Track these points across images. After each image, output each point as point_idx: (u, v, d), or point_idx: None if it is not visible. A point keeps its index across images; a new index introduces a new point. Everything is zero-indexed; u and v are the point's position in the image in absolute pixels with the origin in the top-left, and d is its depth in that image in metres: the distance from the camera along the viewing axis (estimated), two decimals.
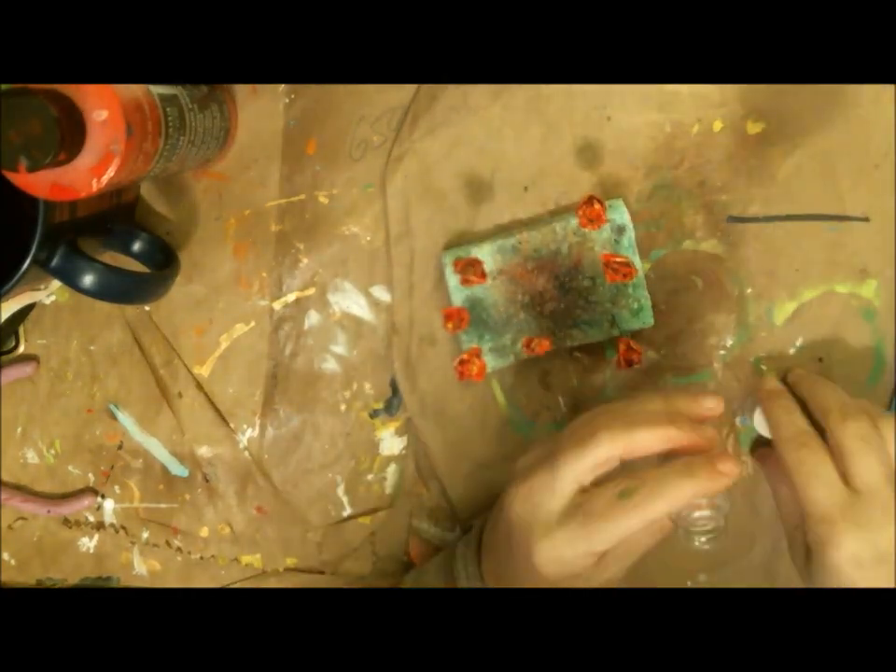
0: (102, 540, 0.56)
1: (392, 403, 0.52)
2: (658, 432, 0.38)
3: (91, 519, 0.56)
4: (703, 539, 0.38)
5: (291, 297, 0.51)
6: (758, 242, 0.48)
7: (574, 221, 0.47)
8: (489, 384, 0.50)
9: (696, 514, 0.38)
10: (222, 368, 0.53)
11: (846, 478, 0.39)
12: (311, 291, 0.51)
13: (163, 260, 0.49)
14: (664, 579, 0.48)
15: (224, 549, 0.55)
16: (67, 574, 0.57)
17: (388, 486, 0.53)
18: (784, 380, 0.45)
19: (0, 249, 0.42)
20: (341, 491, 0.53)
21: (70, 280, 0.43)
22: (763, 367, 0.49)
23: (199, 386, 0.53)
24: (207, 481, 0.54)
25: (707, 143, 0.47)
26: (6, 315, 0.52)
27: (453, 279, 0.48)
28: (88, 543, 0.56)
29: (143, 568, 0.56)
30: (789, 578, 0.48)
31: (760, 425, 0.44)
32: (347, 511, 0.53)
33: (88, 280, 0.43)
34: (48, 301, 0.54)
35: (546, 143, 0.48)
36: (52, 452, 0.56)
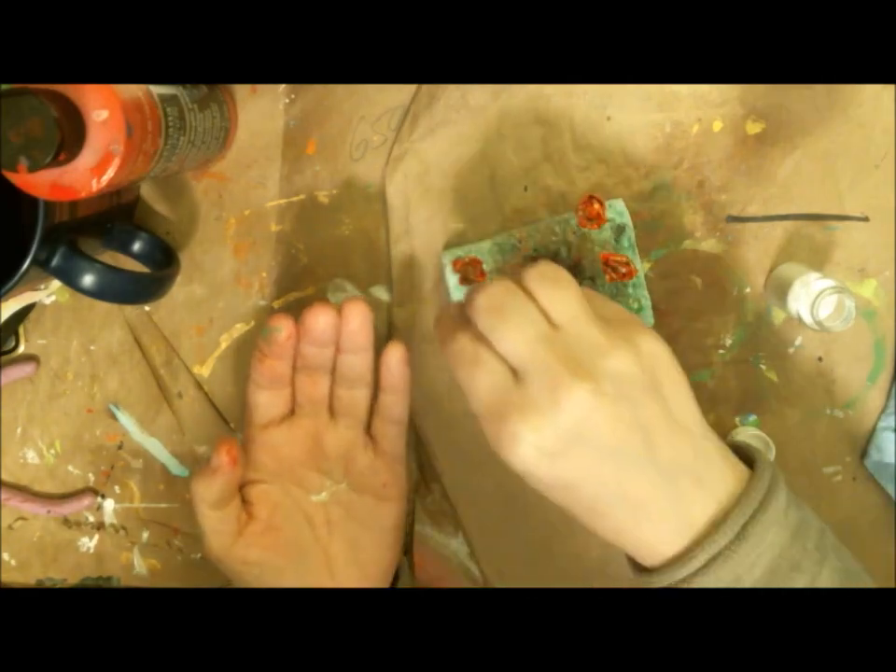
0: (102, 540, 0.56)
1: None
2: None
3: (91, 519, 0.56)
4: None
5: (291, 297, 0.51)
6: (757, 241, 0.48)
7: (574, 221, 0.47)
8: None
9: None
10: (222, 368, 0.53)
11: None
12: (311, 291, 0.51)
13: (163, 260, 0.49)
14: None
15: None
16: (67, 574, 0.57)
17: None
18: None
19: (0, 249, 0.42)
20: None
21: (70, 280, 0.43)
22: (763, 366, 0.49)
23: (199, 386, 0.53)
24: None
25: (706, 143, 0.47)
26: (6, 315, 0.52)
27: (452, 278, 0.48)
28: (88, 543, 0.56)
29: (143, 568, 0.56)
30: None
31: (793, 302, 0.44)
32: None
33: (88, 280, 0.43)
34: (48, 301, 0.54)
35: (546, 143, 0.48)
36: (52, 452, 0.56)
